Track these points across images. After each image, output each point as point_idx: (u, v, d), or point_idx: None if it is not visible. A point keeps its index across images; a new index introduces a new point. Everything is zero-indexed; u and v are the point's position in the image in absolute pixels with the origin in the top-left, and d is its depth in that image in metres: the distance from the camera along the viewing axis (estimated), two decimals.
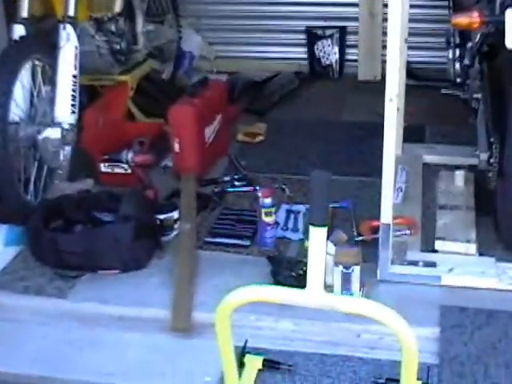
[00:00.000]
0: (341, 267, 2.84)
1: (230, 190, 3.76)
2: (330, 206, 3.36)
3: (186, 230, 3.29)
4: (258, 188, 3.68)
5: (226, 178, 3.86)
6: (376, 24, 5.23)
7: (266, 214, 3.19)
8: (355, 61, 5.42)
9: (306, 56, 5.49)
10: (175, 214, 3.33)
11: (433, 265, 3.02)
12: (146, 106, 4.48)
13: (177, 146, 3.78)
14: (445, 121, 4.51)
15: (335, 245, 2.93)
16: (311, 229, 1.89)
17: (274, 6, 5.44)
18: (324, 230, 1.89)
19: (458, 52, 3.81)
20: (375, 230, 3.10)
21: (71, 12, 3.42)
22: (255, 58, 5.56)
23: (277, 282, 2.91)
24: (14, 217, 3.22)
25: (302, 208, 3.55)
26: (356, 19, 5.31)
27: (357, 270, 2.83)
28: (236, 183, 3.80)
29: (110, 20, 3.98)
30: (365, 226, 3.32)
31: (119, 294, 2.98)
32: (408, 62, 5.08)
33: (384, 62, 5.04)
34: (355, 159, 4.08)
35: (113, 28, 4.00)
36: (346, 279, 2.85)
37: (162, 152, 4.02)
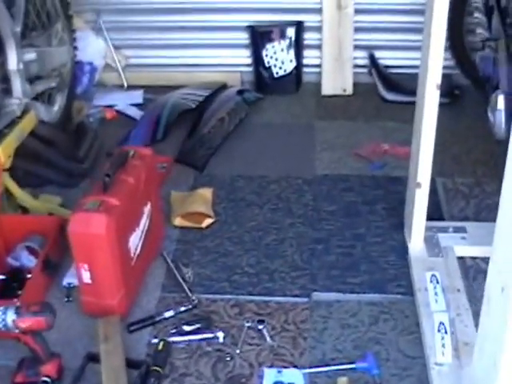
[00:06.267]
0: None
1: (176, 339, 2.36)
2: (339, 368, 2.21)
3: None
4: (218, 334, 2.32)
5: (168, 314, 2.47)
6: (345, 18, 3.80)
7: None
8: (317, 66, 4.00)
9: (249, 61, 4.03)
10: None
11: None
12: (34, 174, 3.00)
13: (86, 276, 2.36)
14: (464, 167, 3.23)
15: None
16: None
17: None
18: None
19: None
20: None
21: None
22: (180, 66, 4.08)
23: None
24: None
25: (297, 376, 2.20)
26: (317, 11, 3.86)
27: None
28: (184, 327, 2.40)
29: None
30: None
31: None
32: (385, 67, 3.84)
33: (357, 66, 3.77)
34: (357, 255, 2.75)
35: None
36: None
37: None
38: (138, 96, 3.90)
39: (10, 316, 2.12)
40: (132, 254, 2.48)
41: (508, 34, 2.57)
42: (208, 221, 2.90)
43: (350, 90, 3.89)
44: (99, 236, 2.28)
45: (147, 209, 2.59)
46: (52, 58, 3.13)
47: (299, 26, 3.90)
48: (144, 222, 2.57)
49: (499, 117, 2.53)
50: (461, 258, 2.69)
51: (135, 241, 2.49)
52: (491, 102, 2.57)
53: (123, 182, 2.45)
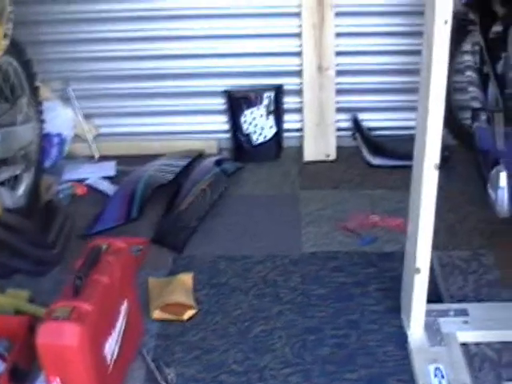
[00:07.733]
0: None
1: None
2: None
3: None
4: None
5: None
6: (327, 80, 3.63)
7: None
8: (299, 130, 3.81)
9: (227, 127, 3.84)
10: None
11: None
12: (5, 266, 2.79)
13: None
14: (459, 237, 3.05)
15: None
16: None
17: (175, 59, 3.73)
18: None
19: None
20: None
21: None
22: (154, 134, 3.88)
23: None
24: None
25: None
26: (297, 74, 3.69)
27: None
28: None
29: None
30: None
31: None
32: (369, 129, 3.68)
33: (340, 130, 3.60)
34: (353, 346, 2.56)
35: None
36: None
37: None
38: (110, 168, 3.69)
39: None
40: (108, 361, 2.25)
41: (508, 106, 2.39)
42: (189, 312, 2.69)
43: (333, 155, 3.71)
44: (71, 348, 2.06)
45: (124, 307, 2.38)
46: (17, 138, 2.91)
47: (278, 90, 3.72)
48: (121, 322, 2.35)
49: (502, 195, 2.36)
50: (464, 344, 2.49)
51: (112, 345, 2.27)
52: (492, 178, 2.40)
53: (96, 283, 2.23)
